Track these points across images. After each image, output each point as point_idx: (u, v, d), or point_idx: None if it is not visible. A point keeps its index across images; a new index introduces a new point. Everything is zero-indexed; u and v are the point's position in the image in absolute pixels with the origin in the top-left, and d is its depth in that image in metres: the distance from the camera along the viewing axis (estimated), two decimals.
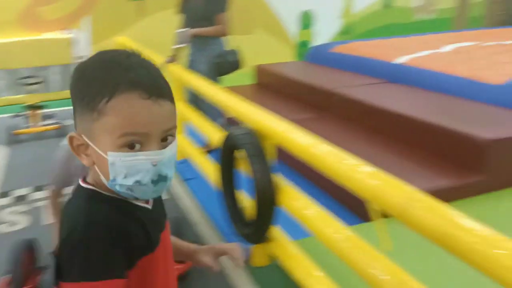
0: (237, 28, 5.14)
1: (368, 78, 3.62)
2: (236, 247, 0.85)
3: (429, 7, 6.33)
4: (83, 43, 4.44)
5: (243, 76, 4.51)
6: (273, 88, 3.96)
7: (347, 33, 5.87)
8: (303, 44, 5.58)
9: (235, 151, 1.74)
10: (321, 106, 3.29)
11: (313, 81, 3.53)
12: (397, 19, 6.13)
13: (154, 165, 0.61)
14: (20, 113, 3.62)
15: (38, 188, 2.58)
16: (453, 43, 4.16)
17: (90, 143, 0.62)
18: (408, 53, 3.74)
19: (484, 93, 2.88)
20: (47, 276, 1.64)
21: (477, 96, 2.89)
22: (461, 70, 3.18)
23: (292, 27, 5.51)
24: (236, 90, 2.90)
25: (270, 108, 1.96)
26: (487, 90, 2.88)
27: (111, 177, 0.62)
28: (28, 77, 3.80)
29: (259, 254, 1.81)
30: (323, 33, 5.70)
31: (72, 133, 0.64)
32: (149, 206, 0.69)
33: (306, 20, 5.56)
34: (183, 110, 2.75)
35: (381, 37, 5.10)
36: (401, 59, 3.60)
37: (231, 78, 3.00)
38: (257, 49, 5.27)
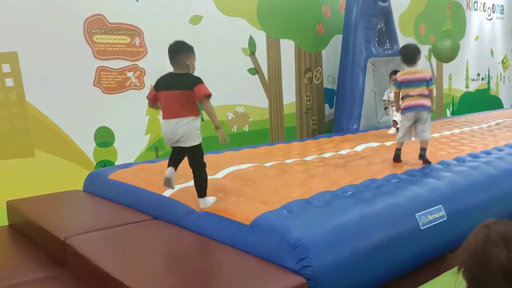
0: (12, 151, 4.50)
1: (137, 214, 3.15)
2: None
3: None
4: None
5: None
6: (25, 232, 3.25)
7: (156, 149, 5.52)
8: (103, 165, 5.04)
9: None
10: (58, 260, 2.67)
11: (52, 223, 2.91)
12: (213, 131, 6.01)
13: None
14: None
15: None
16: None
17: None
18: (184, 180, 3.39)
19: None
20: None
21: None
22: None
23: (86, 145, 4.96)
24: None
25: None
26: None
27: None
28: None
29: None
30: (129, 151, 5.27)
31: None
32: None
33: (105, 137, 5.09)
34: None
35: None
36: (170, 191, 3.22)
37: None
38: (40, 176, 4.59)
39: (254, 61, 6.51)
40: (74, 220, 3.07)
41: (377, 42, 7.17)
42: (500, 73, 11.69)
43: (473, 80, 10.62)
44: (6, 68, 4.45)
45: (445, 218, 3.08)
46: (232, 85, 6.14)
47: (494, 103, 11.44)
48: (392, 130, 5.94)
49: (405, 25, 8.70)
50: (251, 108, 6.49)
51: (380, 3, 7.01)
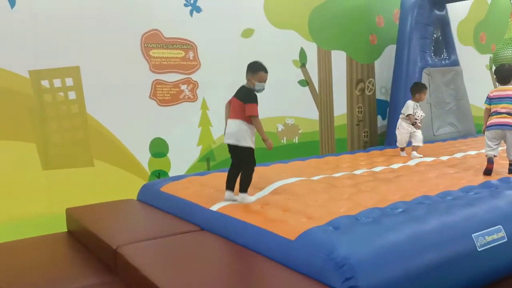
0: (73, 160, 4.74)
1: (185, 224, 3.23)
2: None
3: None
4: None
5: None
6: (82, 239, 3.42)
7: (207, 160, 5.63)
8: (157, 175, 5.21)
9: None
10: (110, 267, 2.79)
11: (105, 232, 3.03)
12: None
13: None
14: None
15: None
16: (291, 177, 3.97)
17: None
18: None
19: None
20: None
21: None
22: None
23: (142, 155, 5.15)
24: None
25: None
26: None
27: None
28: None
29: None
30: (181, 161, 5.42)
31: None
32: None
33: (159, 148, 5.27)
34: None
35: None
36: (219, 205, 3.27)
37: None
38: (98, 184, 4.82)
39: (305, 72, 6.50)
40: (126, 229, 3.19)
41: (434, 51, 6.93)
42: None
43: None
44: (69, 81, 4.74)
45: (505, 240, 2.89)
46: (282, 97, 6.17)
47: None
48: (403, 153, 5.24)
49: (464, 34, 8.36)
50: (301, 120, 6.47)
51: (437, 12, 6.78)
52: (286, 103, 6.28)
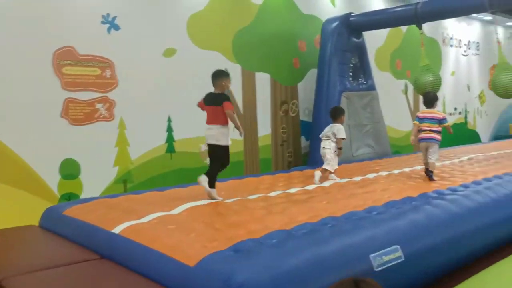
0: None
1: (85, 252, 3.04)
2: None
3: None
4: None
5: None
6: None
7: (124, 182, 5.42)
8: (67, 198, 4.92)
9: None
10: None
11: None
12: (185, 163, 5.94)
13: None
14: None
15: None
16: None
17: None
18: (138, 217, 3.30)
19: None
20: None
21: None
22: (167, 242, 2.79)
23: (50, 177, 4.85)
24: None
25: None
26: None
27: None
28: None
29: None
30: (95, 183, 5.17)
31: None
32: None
33: (70, 169, 4.99)
34: None
35: (158, 188, 4.72)
36: (122, 226, 3.13)
37: None
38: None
39: (229, 94, 6.52)
40: (18, 258, 2.95)
41: (352, 76, 7.27)
42: (478, 108, 11.89)
43: (451, 114, 10.77)
44: None
45: (402, 259, 3.02)
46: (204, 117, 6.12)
47: (472, 137, 11.59)
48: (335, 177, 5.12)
49: (381, 60, 8.87)
50: None
51: (354, 39, 7.14)
52: None
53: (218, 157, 3.99)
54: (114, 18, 5.30)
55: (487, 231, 3.74)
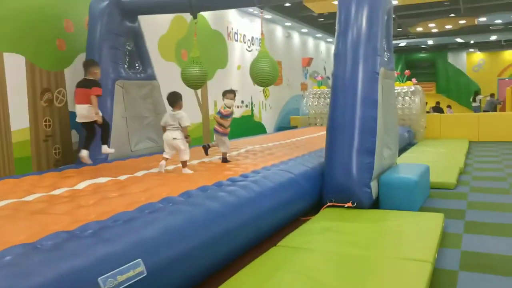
0: None
1: None
2: None
3: None
4: None
5: None
6: None
7: None
8: None
9: None
10: None
11: None
12: None
13: None
14: None
15: None
16: None
17: None
18: None
19: None
20: None
21: None
22: None
23: None
24: None
25: None
26: None
27: None
28: None
29: None
30: None
31: None
32: None
33: None
34: None
35: None
36: None
37: None
38: None
39: None
40: None
41: (128, 64, 6.63)
42: (262, 101, 12.68)
43: (238, 107, 11.14)
44: None
45: (145, 274, 2.56)
46: None
47: (259, 129, 12.29)
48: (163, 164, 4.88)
49: (165, 50, 8.46)
50: None
51: (128, 23, 6.50)
52: None
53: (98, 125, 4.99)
54: None
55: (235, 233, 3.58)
